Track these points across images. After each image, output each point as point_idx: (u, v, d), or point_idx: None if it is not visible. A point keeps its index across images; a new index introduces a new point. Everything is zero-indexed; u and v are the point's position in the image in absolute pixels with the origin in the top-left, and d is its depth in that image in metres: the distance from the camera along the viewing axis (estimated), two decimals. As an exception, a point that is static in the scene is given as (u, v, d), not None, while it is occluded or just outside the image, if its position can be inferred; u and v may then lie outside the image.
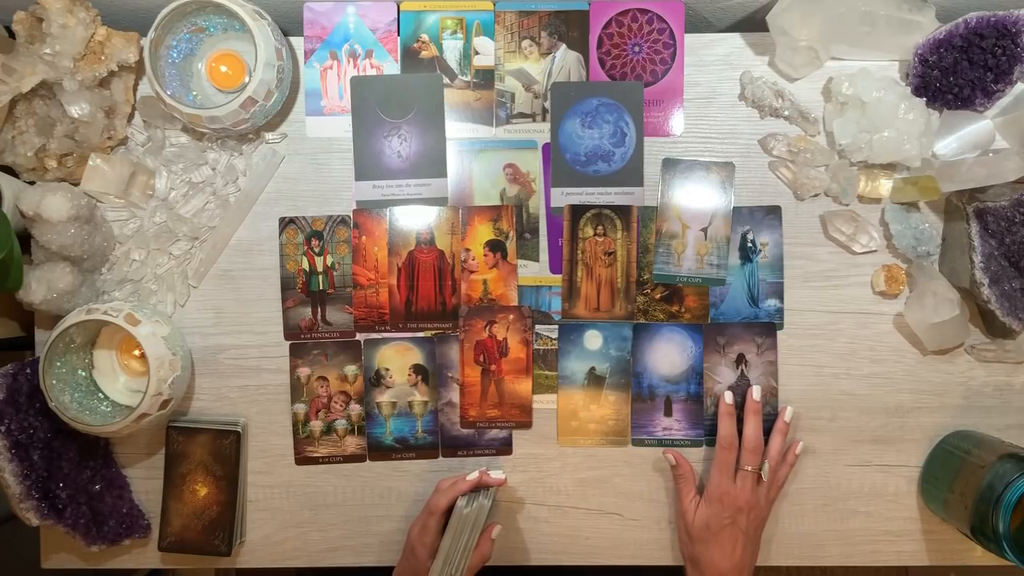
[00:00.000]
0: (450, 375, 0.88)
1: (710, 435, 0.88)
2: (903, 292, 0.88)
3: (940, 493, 0.84)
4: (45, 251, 0.82)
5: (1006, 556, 0.75)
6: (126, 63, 0.83)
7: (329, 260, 0.88)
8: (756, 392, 0.85)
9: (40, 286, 0.81)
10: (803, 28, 0.82)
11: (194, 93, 0.84)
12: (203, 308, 0.89)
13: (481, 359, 0.88)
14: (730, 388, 0.87)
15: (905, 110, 0.82)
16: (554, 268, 0.88)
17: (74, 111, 0.81)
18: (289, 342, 0.88)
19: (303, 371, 0.88)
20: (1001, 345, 0.87)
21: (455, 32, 0.88)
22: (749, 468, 0.82)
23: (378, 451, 0.89)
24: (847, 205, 0.88)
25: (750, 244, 0.88)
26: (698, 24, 0.95)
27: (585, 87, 0.88)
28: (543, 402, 0.89)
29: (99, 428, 0.78)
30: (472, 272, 0.88)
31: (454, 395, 0.88)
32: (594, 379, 0.88)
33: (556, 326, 0.88)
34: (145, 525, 0.88)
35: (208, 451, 0.86)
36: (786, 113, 0.87)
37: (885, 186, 0.87)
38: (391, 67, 0.88)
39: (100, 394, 0.85)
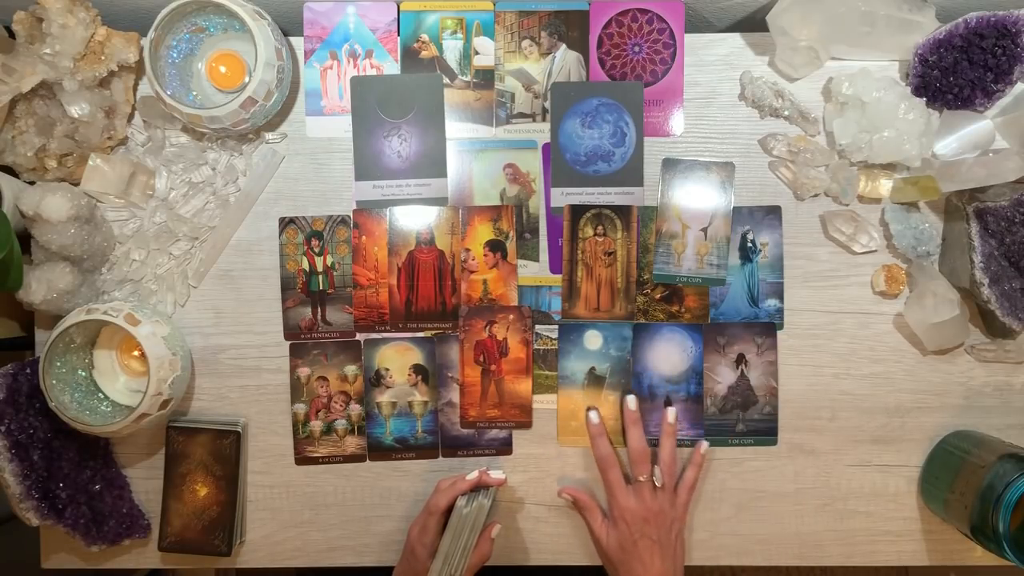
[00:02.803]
0: (450, 375, 0.88)
1: (710, 435, 0.88)
2: (903, 292, 0.88)
3: (940, 493, 0.84)
4: (45, 251, 0.82)
5: (1006, 556, 0.75)
6: (126, 63, 0.83)
7: (329, 260, 0.88)
8: (632, 403, 0.85)
9: (40, 286, 0.81)
10: (803, 28, 0.82)
11: (194, 93, 0.84)
12: (203, 308, 0.89)
13: (481, 359, 0.88)
14: (729, 387, 0.87)
15: (905, 110, 0.82)
16: (554, 268, 0.88)
17: (74, 111, 0.81)
18: (289, 342, 0.88)
19: (303, 371, 0.88)
20: (1001, 345, 0.87)
21: (455, 32, 0.88)
22: (642, 478, 0.82)
23: (378, 451, 0.89)
24: (847, 205, 0.88)
25: (750, 244, 0.88)
26: (698, 24, 0.95)
27: (585, 87, 0.88)
28: (543, 402, 0.89)
29: (99, 428, 0.78)
30: (472, 272, 0.88)
31: (454, 395, 0.89)
32: (594, 379, 0.88)
33: (556, 326, 0.88)
34: (145, 525, 0.88)
35: (208, 451, 0.86)
36: (786, 113, 0.87)
37: (885, 186, 0.87)
38: (391, 67, 0.88)
39: (100, 394, 0.85)
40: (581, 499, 0.86)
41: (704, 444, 0.86)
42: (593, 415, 0.85)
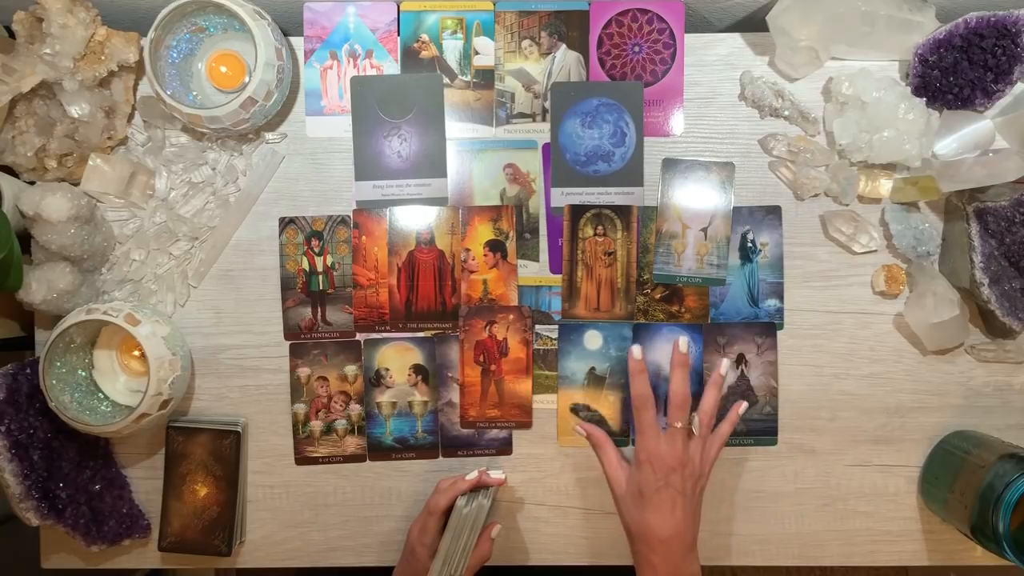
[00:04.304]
0: (450, 375, 0.88)
1: (710, 435, 0.88)
2: (903, 292, 0.88)
3: (940, 493, 0.84)
4: (45, 251, 0.82)
5: (1006, 556, 0.75)
6: (126, 63, 0.83)
7: (329, 260, 0.88)
8: (683, 344, 0.82)
9: (40, 286, 0.81)
10: (803, 28, 0.82)
11: (194, 93, 0.84)
12: (203, 308, 0.89)
13: (481, 359, 0.88)
14: (730, 387, 0.88)
15: (905, 110, 0.82)
16: (554, 268, 0.88)
17: (74, 111, 0.81)
18: (289, 342, 0.88)
19: (303, 371, 0.88)
20: (1001, 345, 0.87)
21: (455, 32, 0.88)
22: (679, 424, 0.77)
23: (378, 451, 0.89)
24: (847, 205, 0.88)
25: (750, 244, 0.88)
26: (698, 24, 0.95)
27: (585, 87, 0.88)
28: (543, 402, 0.89)
29: (99, 428, 0.78)
30: (472, 272, 0.88)
31: (454, 395, 0.89)
32: (594, 379, 0.88)
33: (556, 326, 0.88)
34: (145, 525, 0.88)
35: (208, 451, 0.86)
36: (786, 113, 0.87)
37: (885, 186, 0.87)
38: (391, 67, 0.88)
39: (100, 394, 0.85)
40: (595, 434, 0.83)
41: (743, 404, 0.84)
42: (636, 350, 0.81)
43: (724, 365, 0.83)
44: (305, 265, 0.88)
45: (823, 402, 0.89)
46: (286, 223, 0.88)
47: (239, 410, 0.89)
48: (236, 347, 0.89)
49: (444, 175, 0.88)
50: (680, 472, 0.77)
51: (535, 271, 0.89)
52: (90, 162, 0.84)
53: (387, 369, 0.88)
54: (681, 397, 0.79)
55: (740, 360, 0.88)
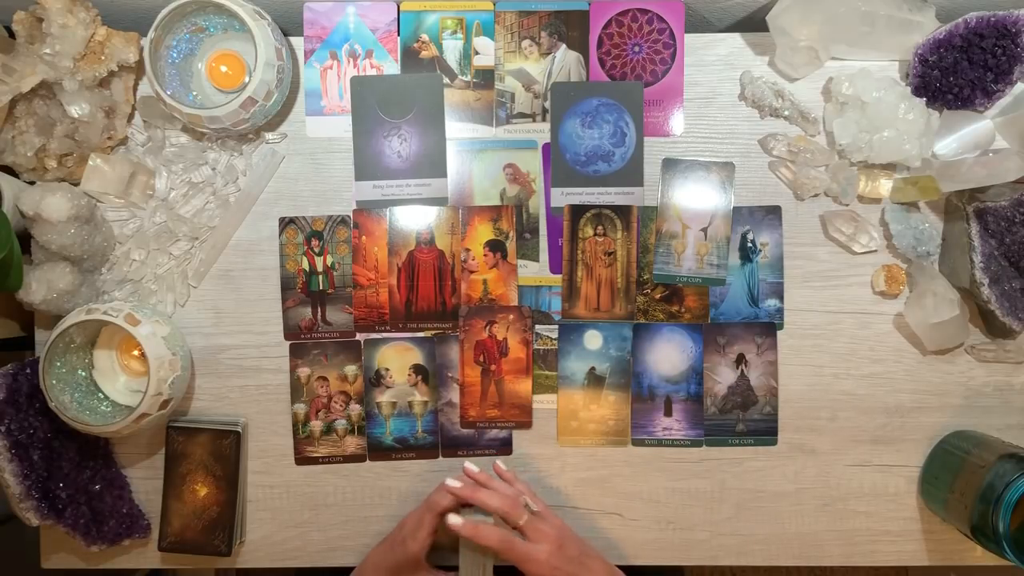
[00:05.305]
0: (450, 375, 0.88)
1: (710, 435, 0.88)
2: (903, 292, 0.88)
3: (940, 493, 0.84)
4: (45, 251, 0.82)
5: (1006, 556, 0.75)
6: (126, 63, 0.83)
7: (329, 260, 0.88)
8: (472, 466, 0.81)
9: (40, 286, 0.81)
10: (803, 28, 0.82)
11: (194, 93, 0.84)
12: (203, 308, 0.89)
13: (481, 359, 0.88)
14: (729, 387, 0.88)
15: (905, 110, 0.83)
16: (554, 268, 0.88)
17: (74, 111, 0.81)
18: (289, 342, 0.88)
19: (303, 371, 0.88)
20: (1001, 345, 0.87)
21: (455, 32, 0.88)
22: (523, 520, 0.76)
23: (378, 451, 0.89)
24: (847, 205, 0.88)
25: (750, 244, 0.88)
26: (698, 24, 0.95)
27: (585, 87, 0.88)
28: (543, 402, 0.89)
29: (99, 428, 0.78)
30: (472, 272, 0.88)
31: (454, 395, 0.88)
32: (594, 379, 0.88)
33: (556, 326, 0.88)
34: (145, 525, 0.88)
35: (208, 451, 0.86)
36: (786, 113, 0.87)
37: (885, 186, 0.87)
38: (391, 67, 0.88)
39: (100, 394, 0.85)
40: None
41: (498, 462, 0.84)
42: (454, 518, 0.76)
43: (469, 465, 0.81)
44: (305, 265, 0.88)
45: (823, 402, 0.89)
46: (286, 223, 0.88)
47: (239, 410, 0.89)
48: (236, 347, 0.89)
49: (444, 175, 0.88)
50: (565, 545, 0.76)
51: (535, 271, 0.89)
52: (90, 162, 0.84)
53: (387, 369, 0.88)
54: (508, 502, 0.77)
55: (740, 360, 0.88)
